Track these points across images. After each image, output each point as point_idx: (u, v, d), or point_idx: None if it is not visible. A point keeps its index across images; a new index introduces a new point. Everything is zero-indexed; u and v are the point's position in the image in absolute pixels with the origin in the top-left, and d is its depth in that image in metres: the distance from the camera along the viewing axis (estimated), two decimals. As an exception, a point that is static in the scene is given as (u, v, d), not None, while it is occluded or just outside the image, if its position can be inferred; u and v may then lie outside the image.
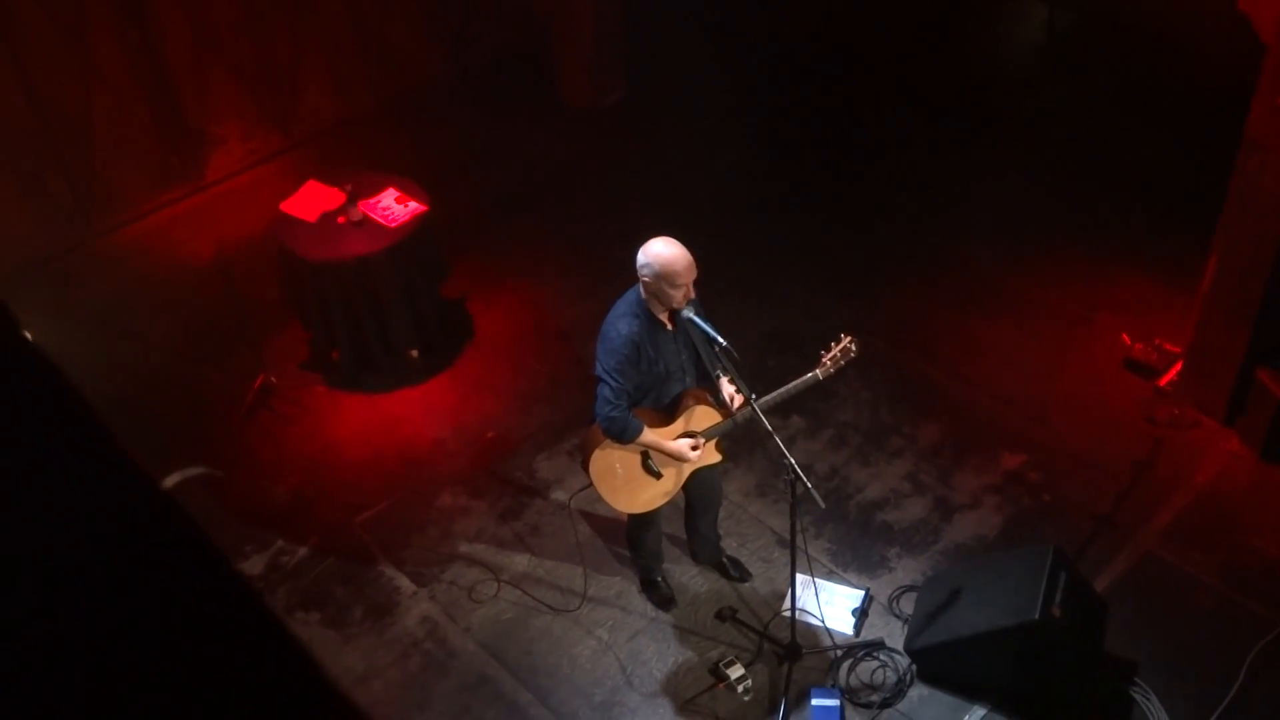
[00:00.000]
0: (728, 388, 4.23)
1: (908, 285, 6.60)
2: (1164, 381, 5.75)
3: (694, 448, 4.23)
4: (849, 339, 4.20)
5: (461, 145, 7.98)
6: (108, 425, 0.74)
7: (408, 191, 6.09)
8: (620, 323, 4.04)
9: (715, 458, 4.42)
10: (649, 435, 4.12)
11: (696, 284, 4.06)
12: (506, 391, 6.09)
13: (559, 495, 5.45)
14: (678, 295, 3.98)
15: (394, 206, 5.99)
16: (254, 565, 5.24)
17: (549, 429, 5.83)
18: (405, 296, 5.97)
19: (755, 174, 7.60)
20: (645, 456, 4.25)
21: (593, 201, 7.45)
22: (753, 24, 8.65)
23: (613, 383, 4.01)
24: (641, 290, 4.05)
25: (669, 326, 4.12)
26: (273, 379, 6.06)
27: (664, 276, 3.93)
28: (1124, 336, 5.99)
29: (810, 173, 7.59)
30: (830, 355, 4.19)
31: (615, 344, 4.01)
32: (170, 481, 5.47)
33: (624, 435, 4.08)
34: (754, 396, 4.04)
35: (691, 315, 4.03)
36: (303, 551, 5.30)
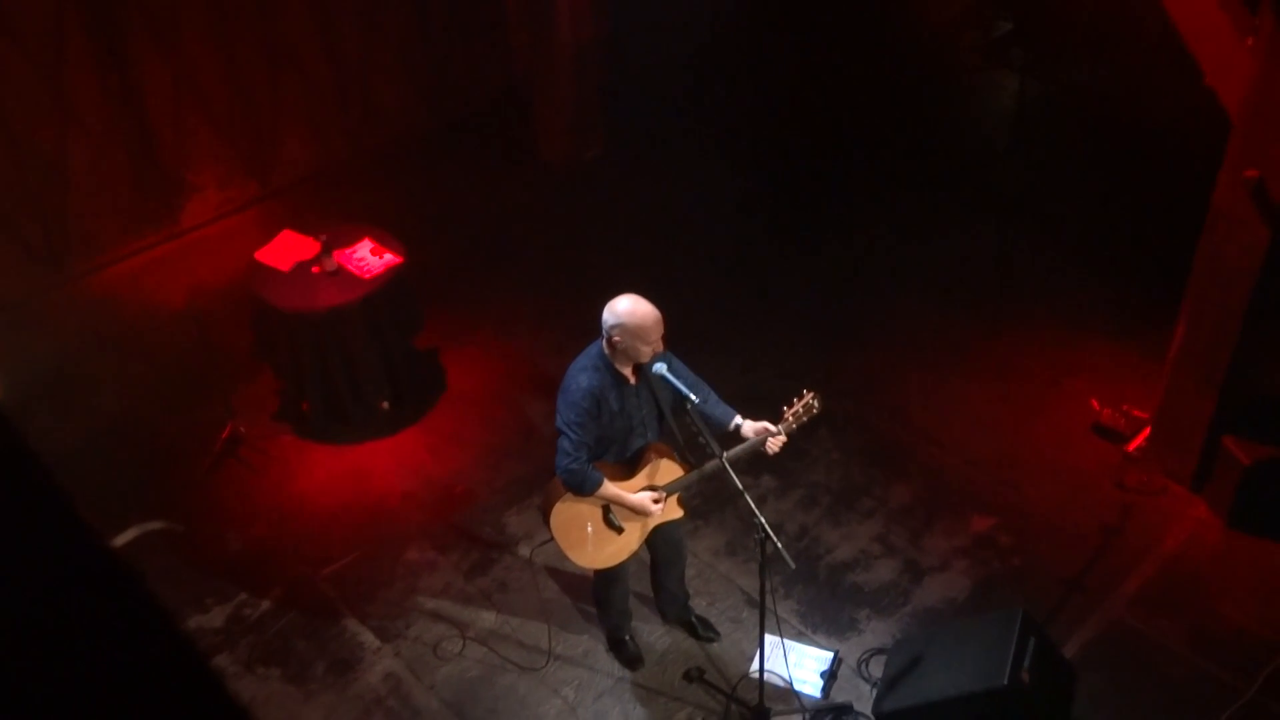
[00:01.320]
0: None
1: (880, 347, 6.64)
2: (1132, 447, 5.78)
3: (655, 501, 4.21)
4: (811, 395, 4.22)
5: (438, 198, 8.01)
6: (53, 478, 0.72)
7: (383, 243, 6.09)
8: (581, 376, 4.06)
9: (678, 513, 4.41)
10: (609, 488, 4.11)
11: (666, 340, 4.08)
12: (477, 445, 6.07)
13: (527, 552, 5.40)
14: (647, 351, 4.00)
15: (369, 258, 5.99)
16: (215, 618, 5.16)
17: (519, 484, 5.80)
18: (377, 348, 5.96)
19: (729, 233, 7.67)
20: (606, 510, 4.24)
21: (568, 256, 7.48)
22: (730, 89, 8.75)
23: (572, 435, 4.02)
24: (604, 345, 4.07)
25: (632, 380, 4.13)
26: (241, 429, 6.01)
27: (636, 334, 3.95)
28: (1093, 402, 6.03)
29: (785, 234, 7.66)
30: (793, 411, 4.21)
31: (575, 397, 4.02)
32: (126, 537, 5.41)
33: (583, 488, 4.07)
34: (723, 453, 4.04)
35: (664, 373, 4.04)
36: (265, 604, 5.23)
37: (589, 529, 4.26)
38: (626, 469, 4.25)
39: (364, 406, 6.09)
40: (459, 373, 6.55)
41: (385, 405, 6.18)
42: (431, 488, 5.82)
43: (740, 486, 3.94)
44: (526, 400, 6.35)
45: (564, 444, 4.04)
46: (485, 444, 6.07)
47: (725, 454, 4.05)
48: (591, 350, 4.13)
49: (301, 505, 5.75)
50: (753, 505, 3.93)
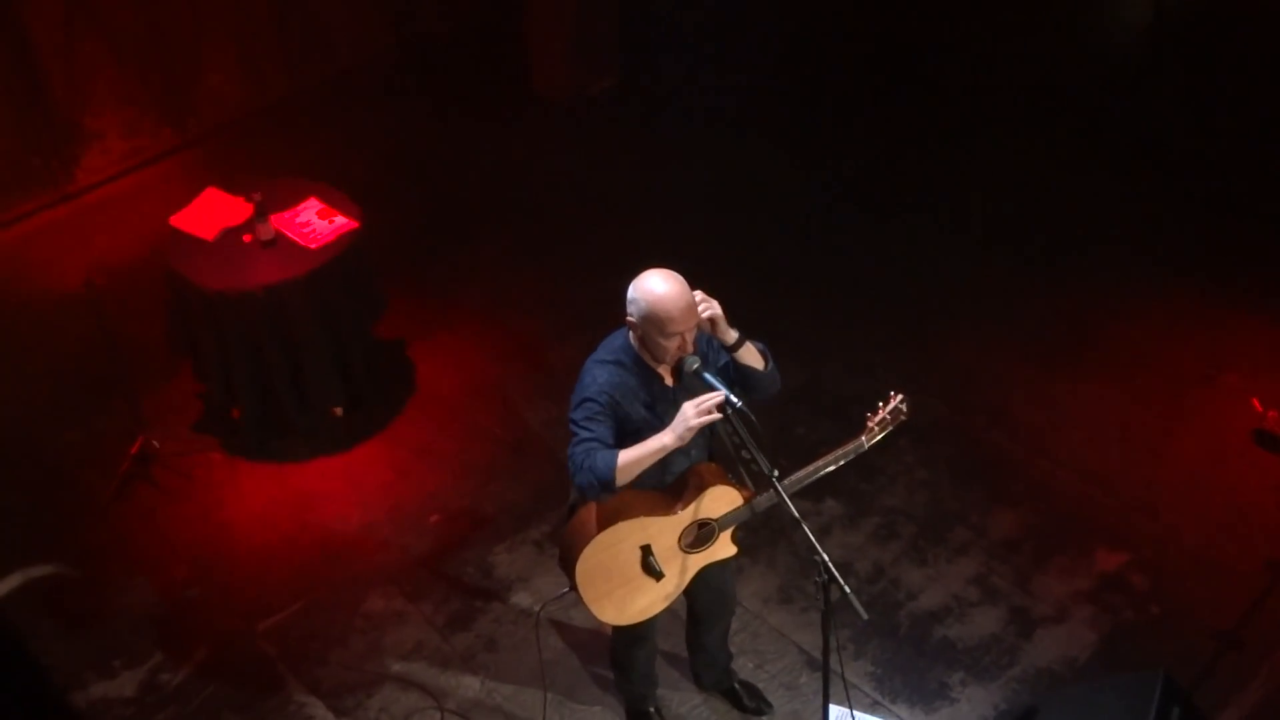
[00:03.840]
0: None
1: (973, 332, 6.60)
2: (1305, 460, 5.75)
3: (702, 409, 3.98)
4: (899, 397, 4.24)
5: (405, 145, 7.99)
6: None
7: (334, 203, 6.08)
8: (599, 370, 4.03)
9: (729, 550, 4.38)
10: (628, 455, 3.95)
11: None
12: (456, 463, 6.06)
13: (523, 600, 5.39)
14: (669, 347, 3.95)
15: (316, 222, 5.98)
16: (124, 684, 5.16)
17: (511, 513, 5.79)
18: (328, 338, 5.96)
19: (778, 185, 7.63)
20: (647, 553, 4.22)
21: (574, 219, 7.46)
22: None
23: (582, 433, 3.98)
24: (630, 334, 4.07)
25: (668, 381, 4.11)
26: (155, 443, 6.02)
27: (652, 320, 3.91)
28: (1254, 402, 5.98)
29: (848, 185, 7.63)
30: (878, 418, 4.21)
31: (588, 391, 4.00)
32: (5, 587, 5.42)
33: (602, 485, 3.95)
34: (777, 474, 4.01)
35: (697, 367, 4.00)
36: (188, 668, 5.22)
37: (622, 576, 4.25)
38: (665, 499, 4.20)
39: (312, 413, 6.08)
40: (433, 369, 6.54)
41: (339, 411, 6.18)
42: (399, 517, 5.81)
43: (797, 515, 3.91)
44: (521, 404, 6.33)
45: (573, 450, 4.01)
46: (467, 461, 6.06)
47: (779, 476, 4.01)
48: (614, 340, 4.10)
49: (232, 541, 5.74)
50: (813, 538, 3.88)
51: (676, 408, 4.04)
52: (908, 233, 7.28)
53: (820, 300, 6.85)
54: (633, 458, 3.93)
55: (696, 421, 3.88)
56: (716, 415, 3.90)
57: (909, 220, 7.37)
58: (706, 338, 4.14)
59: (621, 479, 3.94)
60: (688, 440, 3.95)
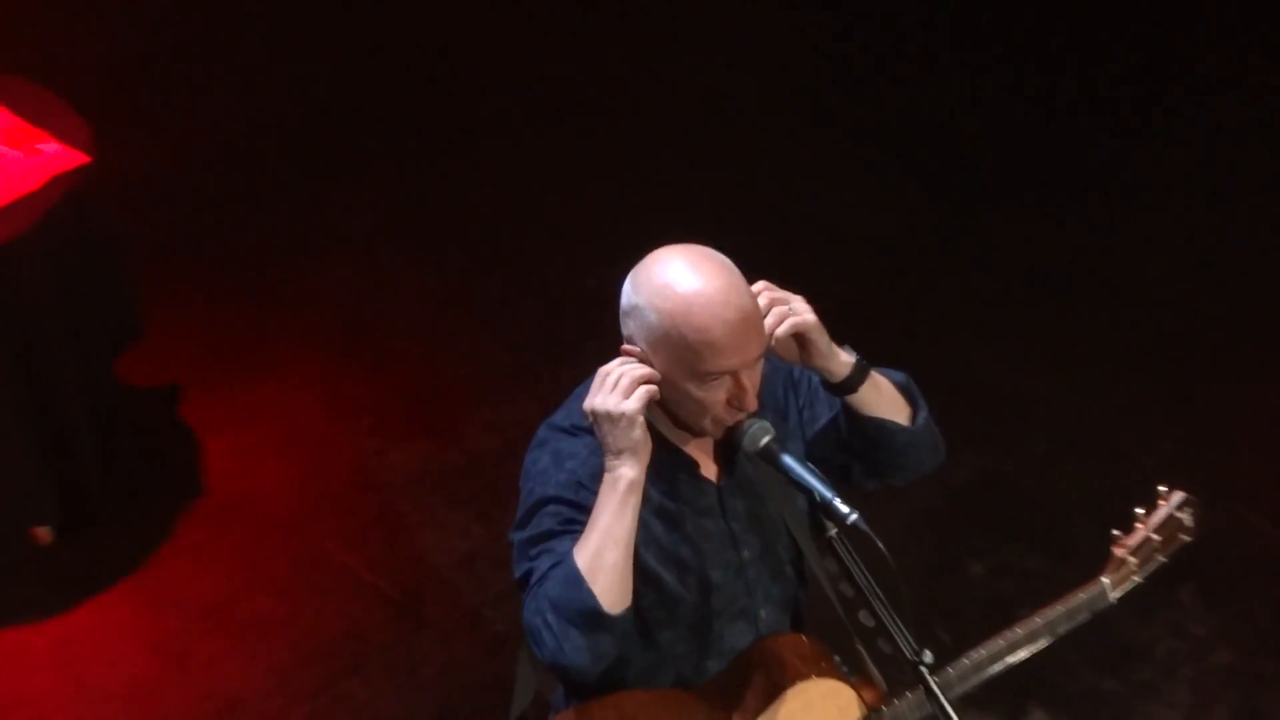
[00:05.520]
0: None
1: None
2: None
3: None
4: (1175, 500, 4.36)
5: (189, 6, 8.05)
6: None
7: (41, 118, 6.13)
8: (565, 446, 4.05)
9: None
10: (588, 541, 3.90)
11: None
12: (280, 636, 6.02)
13: None
14: (710, 401, 3.85)
15: (4, 153, 5.99)
16: None
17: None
18: (21, 384, 5.93)
19: (911, 86, 7.82)
20: None
21: (521, 147, 7.58)
22: None
23: (537, 565, 3.95)
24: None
25: (706, 469, 4.08)
26: None
27: (674, 346, 3.82)
28: None
29: (1050, 100, 7.85)
30: (1134, 542, 4.30)
31: (547, 486, 4.02)
32: None
33: (585, 614, 3.90)
34: (929, 659, 3.91)
35: (768, 442, 3.89)
36: None
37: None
38: (708, 707, 4.22)
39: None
40: (237, 450, 6.54)
41: (45, 535, 6.19)
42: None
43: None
44: (411, 518, 6.34)
45: (527, 604, 3.96)
46: (303, 633, 6.05)
47: (932, 663, 3.93)
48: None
49: None
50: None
51: (725, 517, 4.11)
52: (1174, 201, 7.46)
53: (1006, 309, 6.94)
54: (595, 542, 3.85)
55: (630, 385, 3.78)
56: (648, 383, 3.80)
57: (1171, 175, 7.57)
58: (786, 371, 4.09)
59: (605, 586, 3.84)
60: (645, 452, 3.86)
